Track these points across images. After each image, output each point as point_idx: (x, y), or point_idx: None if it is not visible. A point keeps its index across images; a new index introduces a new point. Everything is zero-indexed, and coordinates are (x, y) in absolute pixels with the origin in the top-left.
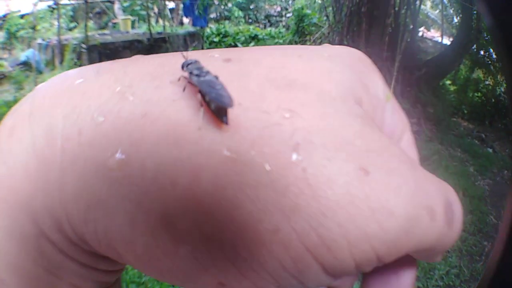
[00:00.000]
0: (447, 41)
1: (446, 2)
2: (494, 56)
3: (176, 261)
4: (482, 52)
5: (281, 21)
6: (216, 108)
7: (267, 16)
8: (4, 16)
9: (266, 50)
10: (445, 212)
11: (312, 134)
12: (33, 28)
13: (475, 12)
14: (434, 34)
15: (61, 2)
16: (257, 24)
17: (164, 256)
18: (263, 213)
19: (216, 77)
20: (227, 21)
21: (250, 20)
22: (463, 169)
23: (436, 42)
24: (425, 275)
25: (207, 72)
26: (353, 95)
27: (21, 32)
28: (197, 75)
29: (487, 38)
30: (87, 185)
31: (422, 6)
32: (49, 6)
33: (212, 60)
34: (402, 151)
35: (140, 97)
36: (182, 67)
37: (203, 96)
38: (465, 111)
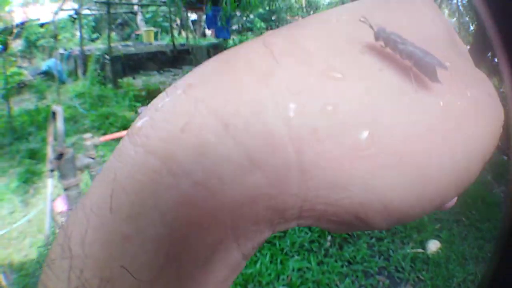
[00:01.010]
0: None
1: (462, 10)
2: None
3: None
4: (496, 60)
5: None
6: (429, 70)
7: None
8: (22, 23)
9: (385, 7)
10: None
11: (464, 76)
12: (54, 37)
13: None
14: None
15: (83, 12)
16: None
17: None
18: None
19: (412, 43)
20: (249, 32)
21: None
22: (481, 177)
23: None
24: (444, 283)
25: (405, 39)
26: (451, 35)
27: (41, 41)
28: (402, 43)
29: None
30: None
31: None
32: (70, 16)
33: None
34: None
35: (351, 73)
36: (377, 38)
37: (415, 62)
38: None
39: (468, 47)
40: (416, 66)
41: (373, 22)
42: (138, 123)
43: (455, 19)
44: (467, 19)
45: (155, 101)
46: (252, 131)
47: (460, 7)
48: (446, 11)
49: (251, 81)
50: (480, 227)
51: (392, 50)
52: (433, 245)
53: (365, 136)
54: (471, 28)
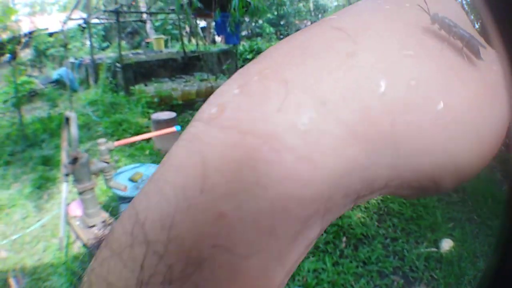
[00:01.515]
0: None
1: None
2: None
3: None
4: None
5: None
6: (475, 49)
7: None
8: (30, 33)
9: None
10: None
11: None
12: (64, 46)
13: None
14: None
15: (92, 21)
16: None
17: None
18: None
19: (461, 26)
20: (259, 38)
21: (281, 36)
22: (492, 176)
23: None
24: (457, 281)
25: (456, 23)
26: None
27: (51, 51)
28: (454, 26)
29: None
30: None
31: None
32: (79, 25)
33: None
34: None
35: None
36: (434, 21)
37: (465, 42)
38: None
39: None
40: (466, 46)
41: (426, 7)
42: (212, 110)
43: None
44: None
45: (219, 91)
46: (350, 106)
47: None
48: None
49: (337, 61)
50: (490, 225)
51: (446, 32)
52: (446, 244)
53: (442, 106)
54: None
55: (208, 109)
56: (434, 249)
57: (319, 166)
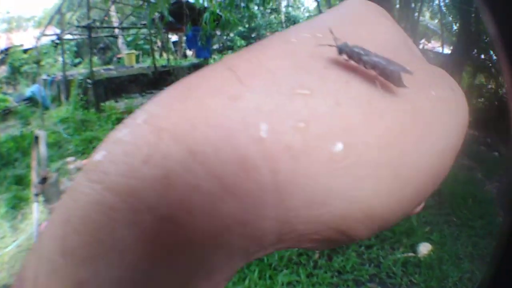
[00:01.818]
0: (448, 50)
1: (444, 10)
2: (494, 57)
3: None
4: (482, 56)
5: None
6: (395, 76)
7: None
8: (6, 49)
9: (350, 21)
10: None
11: (429, 78)
12: (37, 63)
13: (473, 15)
14: (435, 44)
15: (65, 37)
16: None
17: None
18: None
19: (375, 53)
20: (230, 51)
21: None
22: (471, 176)
23: (437, 53)
24: (439, 284)
25: (368, 50)
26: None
27: (25, 67)
28: (366, 55)
29: (486, 40)
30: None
31: (421, 17)
32: (52, 41)
33: (323, 41)
34: None
35: (320, 90)
36: (341, 52)
37: (380, 71)
38: (471, 119)
39: (452, 47)
40: (381, 75)
41: (333, 37)
42: (96, 157)
43: (437, 20)
44: (450, 18)
45: (112, 134)
46: (222, 156)
47: (443, 8)
48: (428, 14)
49: (218, 105)
50: (473, 225)
51: (357, 62)
52: (424, 248)
53: (340, 148)
54: (454, 28)
55: (93, 156)
56: (411, 254)
57: (185, 227)
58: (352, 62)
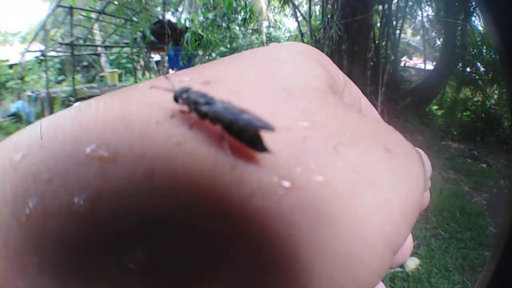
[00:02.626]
0: (430, 66)
1: (427, 26)
2: (482, 69)
3: None
4: (468, 69)
5: None
6: (250, 136)
7: None
8: None
9: (237, 62)
10: None
11: (338, 135)
12: (21, 79)
13: (459, 28)
14: (416, 61)
15: (49, 54)
16: None
17: None
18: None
19: (228, 102)
20: None
21: None
22: (457, 189)
23: (419, 69)
24: None
25: (214, 98)
26: (329, 85)
27: (11, 83)
28: (207, 103)
29: (473, 52)
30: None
31: (403, 35)
32: (36, 57)
33: (187, 85)
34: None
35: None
36: (177, 99)
37: (226, 126)
38: (455, 133)
39: (435, 62)
40: (232, 132)
41: (182, 84)
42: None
43: (419, 37)
44: (433, 34)
45: None
46: None
47: (426, 24)
48: (410, 31)
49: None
50: (461, 238)
51: (198, 114)
52: (412, 263)
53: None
54: (438, 43)
55: None
56: (399, 269)
57: None
58: (194, 114)
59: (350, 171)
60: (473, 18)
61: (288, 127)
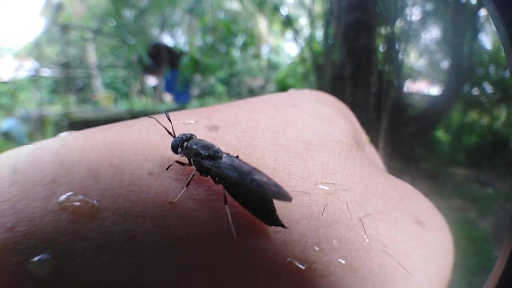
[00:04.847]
0: (434, 91)
1: (432, 48)
2: (489, 89)
3: None
4: (475, 91)
5: (264, 93)
6: (259, 203)
7: (250, 90)
8: None
9: (251, 106)
10: None
11: (364, 203)
12: (14, 95)
13: (465, 48)
14: (420, 86)
15: (42, 74)
16: (240, 98)
17: None
18: None
19: (236, 156)
20: (210, 97)
21: (233, 94)
22: (463, 216)
23: (423, 95)
24: None
25: (219, 150)
26: (353, 137)
27: (3, 100)
28: (210, 157)
29: (480, 73)
30: None
31: (406, 59)
32: (30, 76)
33: (191, 130)
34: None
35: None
36: (175, 149)
37: (230, 187)
38: (461, 158)
39: (439, 86)
40: (238, 195)
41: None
42: None
43: (423, 60)
44: (437, 57)
45: None
46: None
47: (430, 46)
48: (413, 55)
49: None
50: (465, 264)
51: (199, 169)
52: None
53: None
54: (442, 65)
55: None
56: None
57: None
58: (193, 167)
59: (379, 252)
60: (480, 34)
61: (305, 190)
